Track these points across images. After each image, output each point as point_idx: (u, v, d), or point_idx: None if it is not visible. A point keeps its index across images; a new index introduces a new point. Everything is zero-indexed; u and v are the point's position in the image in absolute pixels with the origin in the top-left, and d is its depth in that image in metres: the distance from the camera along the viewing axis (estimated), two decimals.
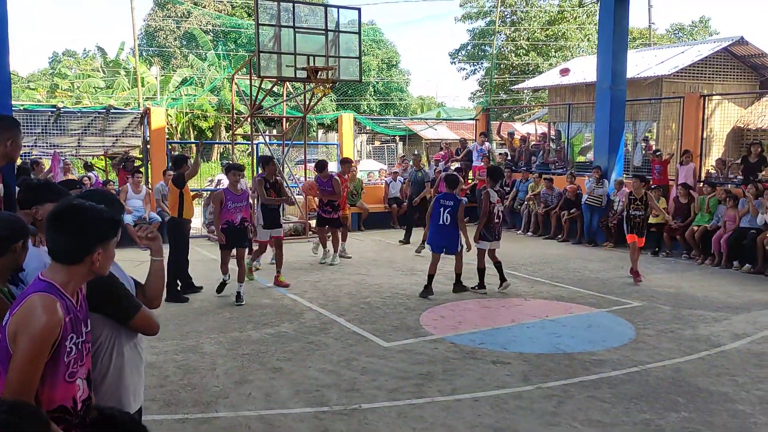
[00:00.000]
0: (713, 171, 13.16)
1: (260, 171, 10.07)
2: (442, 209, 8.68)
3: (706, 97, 13.27)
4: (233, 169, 8.46)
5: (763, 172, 11.65)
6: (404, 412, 4.93)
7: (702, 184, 12.05)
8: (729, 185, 11.82)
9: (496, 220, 8.91)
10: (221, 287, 8.64)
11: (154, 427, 3.22)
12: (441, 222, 8.68)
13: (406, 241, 13.22)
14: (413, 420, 4.79)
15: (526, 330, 7.19)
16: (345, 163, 12.14)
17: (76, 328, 2.29)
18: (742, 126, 16.73)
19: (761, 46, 17.51)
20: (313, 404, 5.09)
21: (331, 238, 11.23)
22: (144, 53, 37.55)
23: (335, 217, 11.01)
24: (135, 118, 14.25)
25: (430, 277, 8.67)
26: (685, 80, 17.31)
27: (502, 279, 8.99)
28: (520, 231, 14.82)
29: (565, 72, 20.35)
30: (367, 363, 6.03)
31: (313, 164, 12.37)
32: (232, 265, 8.66)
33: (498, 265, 9.01)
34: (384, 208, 15.55)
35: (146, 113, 14.04)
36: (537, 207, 14.56)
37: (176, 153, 12.12)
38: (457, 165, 17.42)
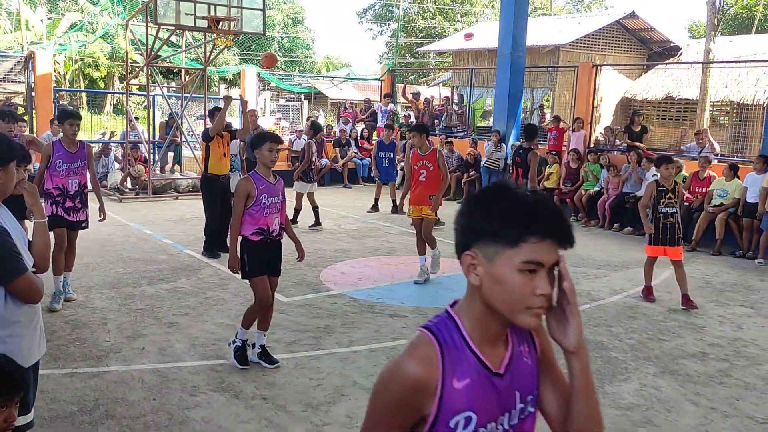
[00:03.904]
0: (601, 138, 13.90)
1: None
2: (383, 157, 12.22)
3: (598, 67, 13.91)
4: (269, 141, 4.66)
5: (644, 141, 12.42)
6: (301, 364, 5.01)
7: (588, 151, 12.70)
8: (615, 152, 12.52)
9: (313, 167, 10.68)
10: (243, 354, 4.86)
11: (40, 382, 3.10)
12: (384, 165, 12.25)
13: None
14: (310, 371, 4.88)
15: (423, 286, 7.42)
16: (418, 130, 7.48)
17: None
18: (630, 96, 17.71)
19: (650, 21, 18.52)
20: (210, 357, 5.06)
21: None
22: None
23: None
24: (18, 62, 13.26)
25: (377, 199, 12.18)
26: (581, 50, 18.06)
27: (317, 222, 10.51)
28: None
29: (469, 36, 20.65)
30: None
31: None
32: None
33: (315, 209, 10.52)
34: (287, 166, 15.37)
35: (31, 57, 13.09)
36: None
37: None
38: (362, 125, 17.45)
